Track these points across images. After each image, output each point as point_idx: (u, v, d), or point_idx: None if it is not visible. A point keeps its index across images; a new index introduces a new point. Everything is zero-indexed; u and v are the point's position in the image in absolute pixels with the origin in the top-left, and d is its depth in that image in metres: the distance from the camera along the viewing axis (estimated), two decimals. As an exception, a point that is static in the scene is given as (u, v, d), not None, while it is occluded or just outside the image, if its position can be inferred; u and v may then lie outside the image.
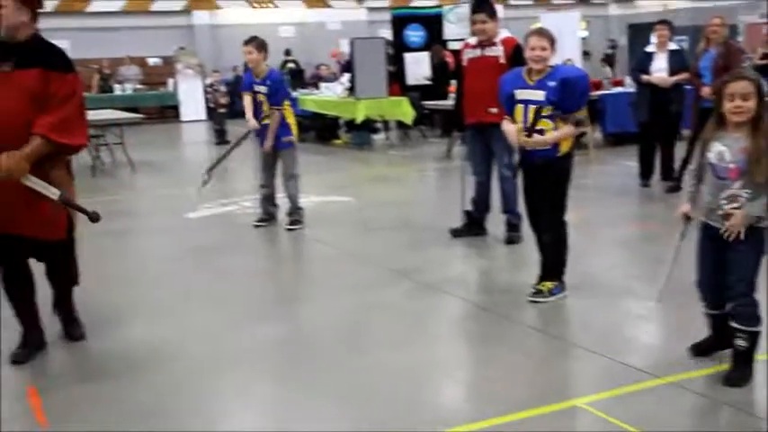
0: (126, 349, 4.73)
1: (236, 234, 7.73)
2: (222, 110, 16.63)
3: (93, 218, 4.25)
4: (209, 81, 18.30)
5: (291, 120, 7.78)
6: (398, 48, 17.65)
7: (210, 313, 5.34)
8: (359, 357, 4.45)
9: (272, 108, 7.58)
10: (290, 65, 22.12)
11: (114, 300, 5.65)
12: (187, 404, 3.95)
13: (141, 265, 6.81)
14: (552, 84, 4.95)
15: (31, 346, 4.66)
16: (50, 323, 4.83)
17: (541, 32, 5.05)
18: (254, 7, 24.89)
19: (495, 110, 6.03)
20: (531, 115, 5.02)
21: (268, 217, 8.00)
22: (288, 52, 22.76)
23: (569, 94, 4.97)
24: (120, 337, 4.96)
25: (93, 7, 23.02)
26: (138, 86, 22.03)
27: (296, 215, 7.86)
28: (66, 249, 4.62)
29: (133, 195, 10.20)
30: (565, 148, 5.10)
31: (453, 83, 13.52)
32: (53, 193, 4.20)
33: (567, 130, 5.06)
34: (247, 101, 7.75)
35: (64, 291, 4.84)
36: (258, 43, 7.59)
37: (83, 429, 3.70)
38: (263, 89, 7.62)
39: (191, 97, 21.93)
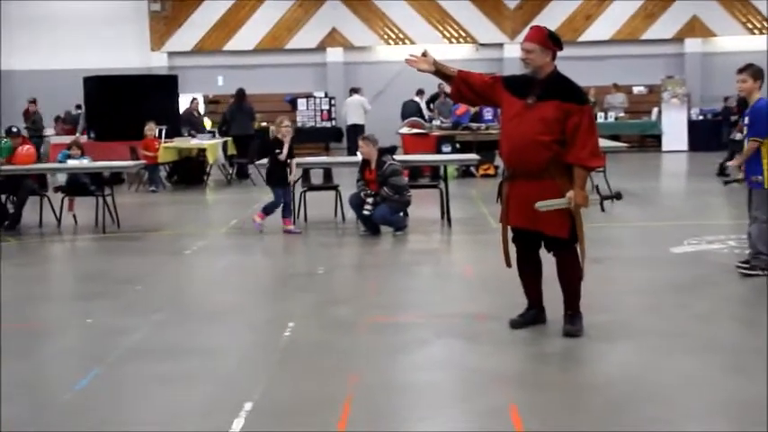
0: (602, 380, 4.69)
1: (718, 274, 7.28)
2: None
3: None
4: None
5: (765, 159, 7.01)
6: None
7: (687, 358, 5.08)
8: None
9: (749, 140, 7.03)
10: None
11: (597, 326, 5.61)
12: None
13: (622, 295, 6.72)
14: None
15: (528, 317, 5.68)
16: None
17: None
18: (753, 34, 23.44)
19: None
20: None
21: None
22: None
23: None
24: (600, 364, 4.93)
25: (584, 36, 23.60)
26: (621, 114, 22.06)
27: (754, 260, 7.12)
28: (569, 248, 5.42)
29: (615, 224, 10.14)
30: None
31: None
32: (563, 202, 5.22)
33: None
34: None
35: (568, 287, 5.49)
36: (753, 71, 7.05)
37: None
38: (746, 120, 7.10)
39: (674, 127, 21.36)
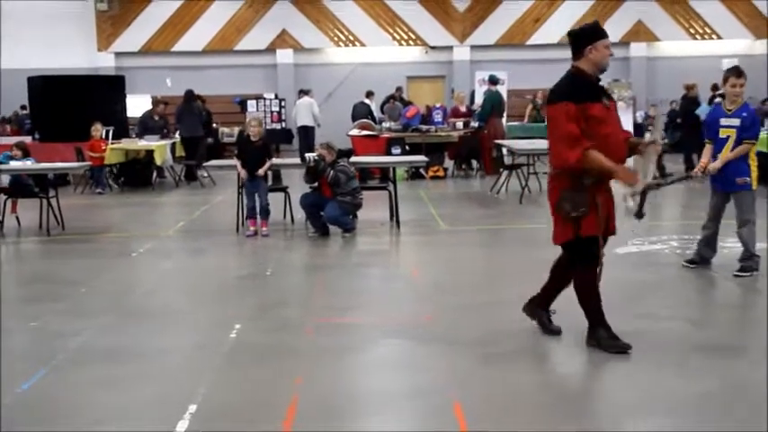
0: (547, 379, 4.75)
1: (664, 275, 7.43)
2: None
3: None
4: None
5: (753, 161, 7.21)
6: None
7: (631, 356, 5.14)
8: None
9: (744, 141, 7.09)
10: (717, 99, 20.83)
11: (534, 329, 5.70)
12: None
13: (567, 295, 6.78)
14: None
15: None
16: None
17: None
18: (695, 39, 23.94)
19: None
20: None
21: (699, 259, 7.55)
22: (715, 87, 21.50)
23: None
24: (546, 363, 4.99)
25: (533, 39, 23.87)
26: (569, 117, 22.30)
27: (749, 262, 7.27)
28: None
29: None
30: None
31: None
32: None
33: None
34: (707, 149, 7.37)
35: (565, 284, 5.47)
36: (745, 75, 7.16)
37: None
38: (734, 122, 7.14)
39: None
